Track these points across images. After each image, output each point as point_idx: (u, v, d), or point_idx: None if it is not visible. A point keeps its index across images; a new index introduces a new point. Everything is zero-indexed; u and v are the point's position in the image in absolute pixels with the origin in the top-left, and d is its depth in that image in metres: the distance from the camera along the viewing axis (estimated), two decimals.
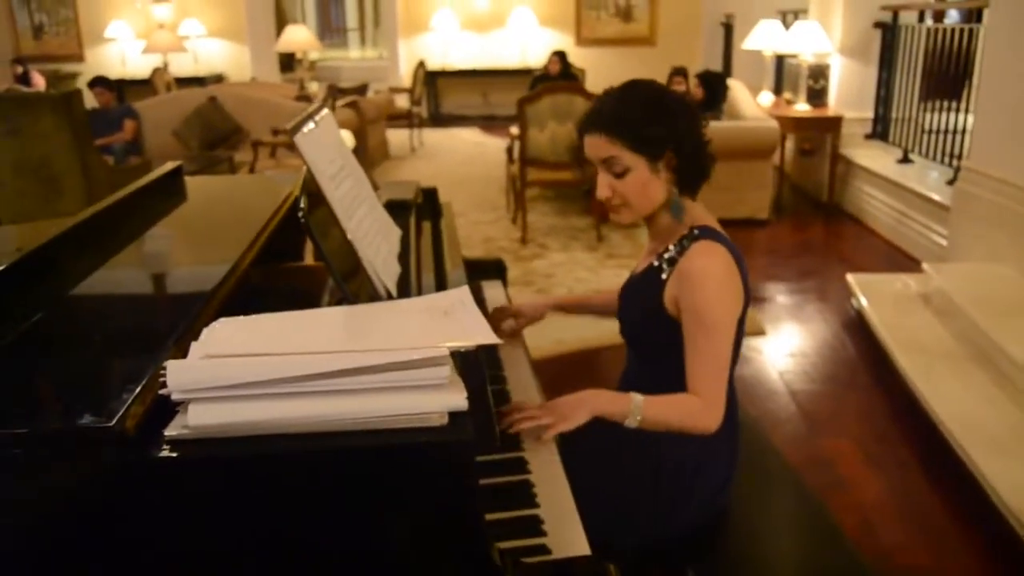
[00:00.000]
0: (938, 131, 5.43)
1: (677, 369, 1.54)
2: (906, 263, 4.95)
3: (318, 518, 1.00)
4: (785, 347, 3.88)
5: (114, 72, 10.32)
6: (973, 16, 5.41)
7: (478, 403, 1.03)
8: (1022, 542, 2.33)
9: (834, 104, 6.57)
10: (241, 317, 1.12)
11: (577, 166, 5.27)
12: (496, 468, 1.47)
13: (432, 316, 1.15)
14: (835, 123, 6.28)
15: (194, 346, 1.03)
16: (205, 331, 1.07)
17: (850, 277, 4.38)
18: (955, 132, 5.15)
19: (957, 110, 5.26)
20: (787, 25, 7.53)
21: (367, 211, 1.54)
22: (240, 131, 7.19)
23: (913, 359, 3.39)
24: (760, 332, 3.99)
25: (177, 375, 0.95)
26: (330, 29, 15.36)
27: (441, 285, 1.74)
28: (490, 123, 11.25)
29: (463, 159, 9.02)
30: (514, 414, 1.51)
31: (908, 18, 6.04)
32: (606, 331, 3.24)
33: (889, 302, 4.06)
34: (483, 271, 2.36)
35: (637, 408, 1.48)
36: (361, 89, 9.51)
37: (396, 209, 1.91)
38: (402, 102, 10.18)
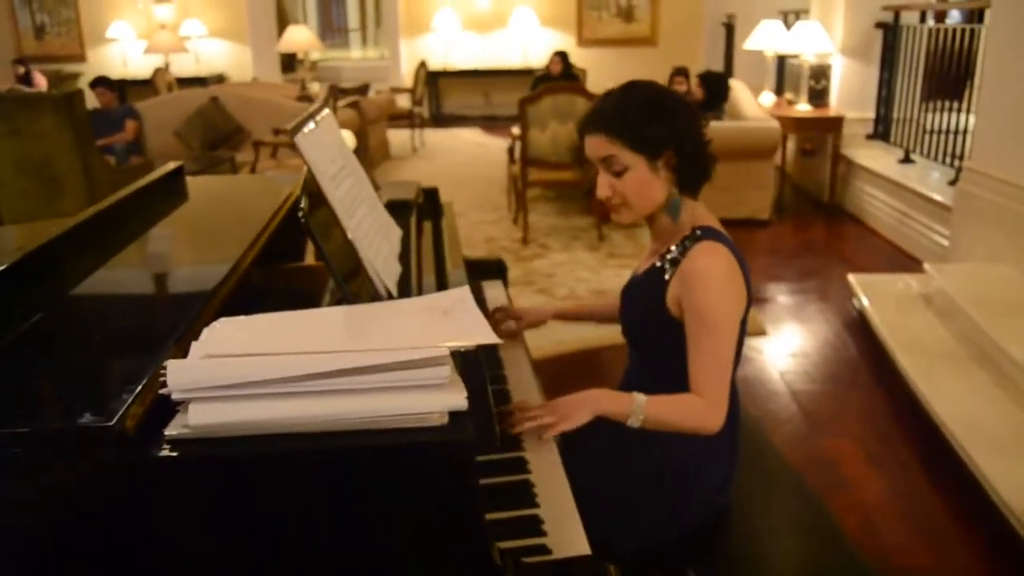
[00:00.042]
0: (939, 131, 5.42)
1: (679, 369, 1.54)
2: (907, 263, 4.95)
3: (318, 518, 1.00)
4: (786, 347, 3.88)
5: (116, 72, 10.33)
6: (975, 16, 5.41)
7: (478, 403, 1.04)
8: (1023, 542, 2.33)
9: (835, 104, 6.57)
10: (241, 317, 1.12)
11: (578, 166, 5.26)
12: (496, 468, 1.47)
13: (432, 316, 1.15)
14: (836, 123, 6.28)
15: (194, 346, 1.03)
16: (205, 331, 1.07)
17: (851, 277, 4.38)
18: (956, 132, 5.15)
19: (959, 110, 5.25)
20: (788, 25, 7.53)
21: (368, 211, 1.54)
22: (241, 131, 7.19)
23: (914, 359, 3.39)
24: (761, 332, 3.99)
25: (177, 375, 0.96)
26: (331, 29, 15.38)
27: (442, 285, 1.74)
28: (491, 123, 11.25)
29: (464, 159, 9.02)
30: (516, 414, 1.51)
31: (910, 18, 6.04)
32: (607, 331, 3.24)
33: (890, 302, 4.06)
34: (484, 271, 2.36)
35: (639, 408, 1.48)
36: (362, 89, 9.51)
37: (397, 209, 1.91)
38: (403, 102, 10.18)
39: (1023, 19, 3.90)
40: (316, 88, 9.13)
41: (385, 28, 12.48)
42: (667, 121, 1.51)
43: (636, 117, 1.50)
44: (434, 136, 10.47)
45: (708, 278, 1.51)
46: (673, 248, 1.59)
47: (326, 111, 1.56)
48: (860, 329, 4.02)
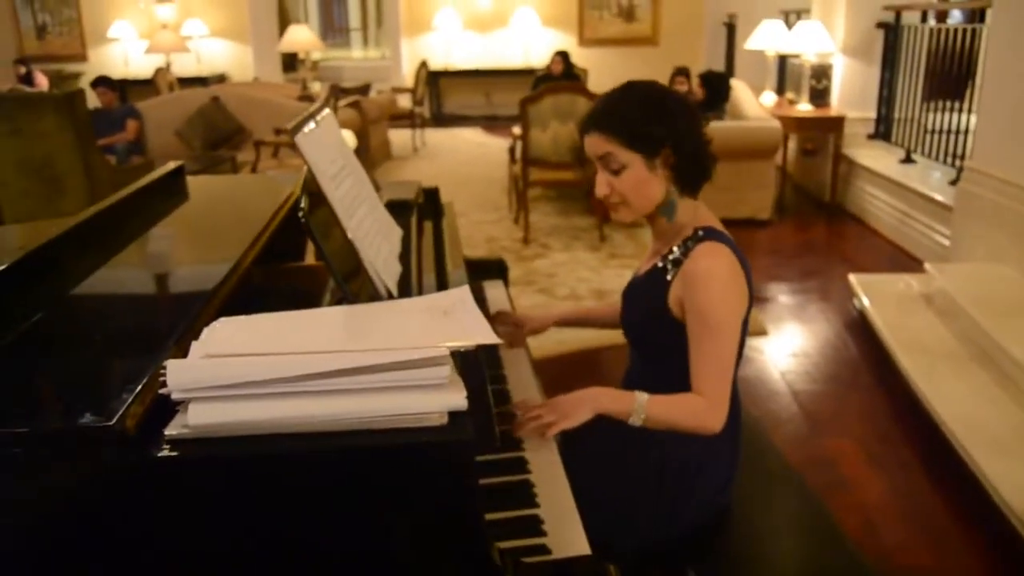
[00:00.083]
0: (941, 131, 5.42)
1: (680, 370, 1.54)
2: (908, 263, 4.94)
3: (318, 517, 1.00)
4: (787, 347, 3.88)
5: (117, 72, 10.33)
6: (976, 16, 5.40)
7: (478, 403, 1.04)
8: None
9: (837, 104, 6.57)
10: (241, 317, 1.12)
11: (579, 166, 5.28)
12: (496, 468, 1.47)
13: (432, 316, 1.15)
14: (838, 123, 6.28)
15: (194, 345, 1.03)
16: (205, 331, 1.07)
17: (852, 277, 4.38)
18: (958, 132, 5.14)
19: (960, 110, 5.25)
20: (790, 25, 7.53)
21: (368, 211, 1.54)
22: (243, 131, 7.20)
23: (915, 359, 3.39)
24: (762, 332, 3.99)
25: (177, 374, 0.96)
26: (333, 29, 15.39)
27: (442, 285, 1.74)
28: (492, 123, 11.24)
29: (465, 159, 9.03)
30: (518, 416, 1.51)
31: (911, 18, 6.03)
32: (608, 331, 3.23)
33: (891, 302, 4.05)
34: (485, 271, 2.36)
35: (641, 407, 1.48)
36: (363, 89, 9.52)
37: (397, 209, 1.91)
38: (404, 102, 10.18)
39: None
40: (317, 88, 9.13)
41: (386, 28, 12.48)
42: (664, 120, 1.51)
43: (633, 115, 1.51)
44: (435, 136, 10.47)
45: (710, 279, 1.52)
46: (675, 249, 1.59)
47: (326, 111, 1.56)
48: (861, 329, 4.02)
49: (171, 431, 0.95)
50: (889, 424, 3.14)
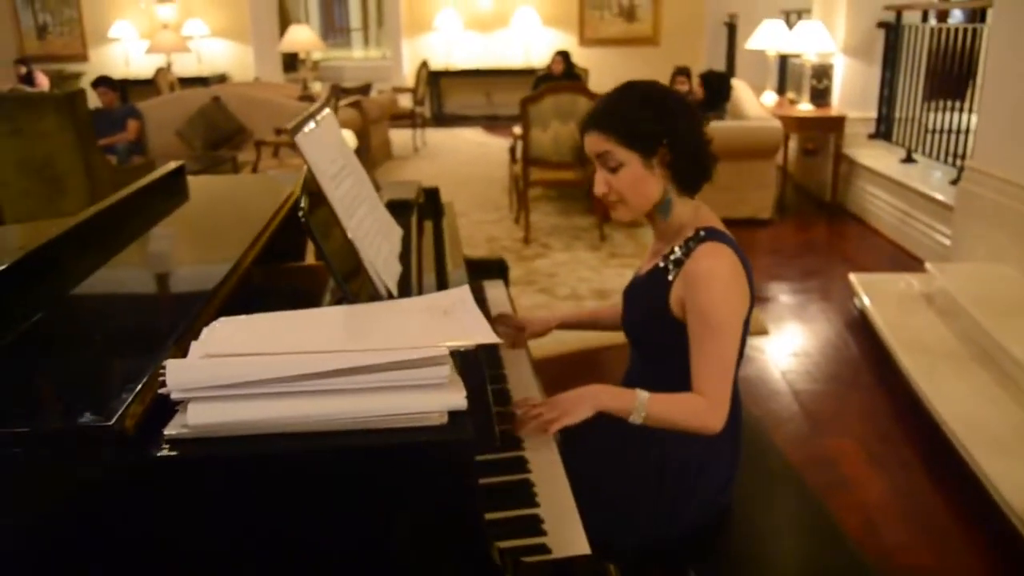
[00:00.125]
0: (942, 131, 5.42)
1: (681, 369, 1.54)
2: (909, 263, 4.94)
3: (318, 517, 1.00)
4: (788, 347, 3.87)
5: (118, 72, 10.33)
6: (977, 16, 5.40)
7: (478, 402, 1.04)
8: None
9: (837, 104, 6.56)
10: (241, 316, 1.12)
11: (580, 166, 5.28)
12: (496, 468, 1.47)
13: (432, 315, 1.15)
14: (838, 123, 6.28)
15: (194, 345, 1.03)
16: (205, 330, 1.07)
17: (853, 277, 4.38)
18: (959, 132, 5.14)
19: (961, 110, 5.25)
20: (790, 25, 7.52)
21: (368, 211, 1.54)
22: (243, 131, 7.20)
23: (916, 359, 3.39)
24: (763, 332, 3.99)
25: (177, 374, 0.96)
26: (333, 29, 15.40)
27: (442, 285, 1.74)
28: (493, 123, 11.24)
29: (466, 159, 9.03)
30: (519, 415, 1.51)
31: (912, 18, 6.03)
32: (609, 332, 3.23)
33: (892, 302, 4.05)
34: (485, 271, 2.36)
35: (642, 405, 1.48)
36: (364, 89, 9.52)
37: (398, 209, 1.91)
38: (405, 102, 10.18)
39: None
40: (318, 88, 9.13)
41: (387, 28, 12.48)
42: (661, 119, 1.51)
43: (630, 114, 1.51)
44: (436, 136, 10.47)
45: (712, 279, 1.52)
46: (677, 249, 1.59)
47: (326, 111, 1.57)
48: (862, 329, 4.02)
49: (170, 431, 0.95)
50: (890, 424, 3.14)
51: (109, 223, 1.58)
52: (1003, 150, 4.03)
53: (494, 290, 2.28)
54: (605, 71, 9.31)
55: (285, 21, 11.94)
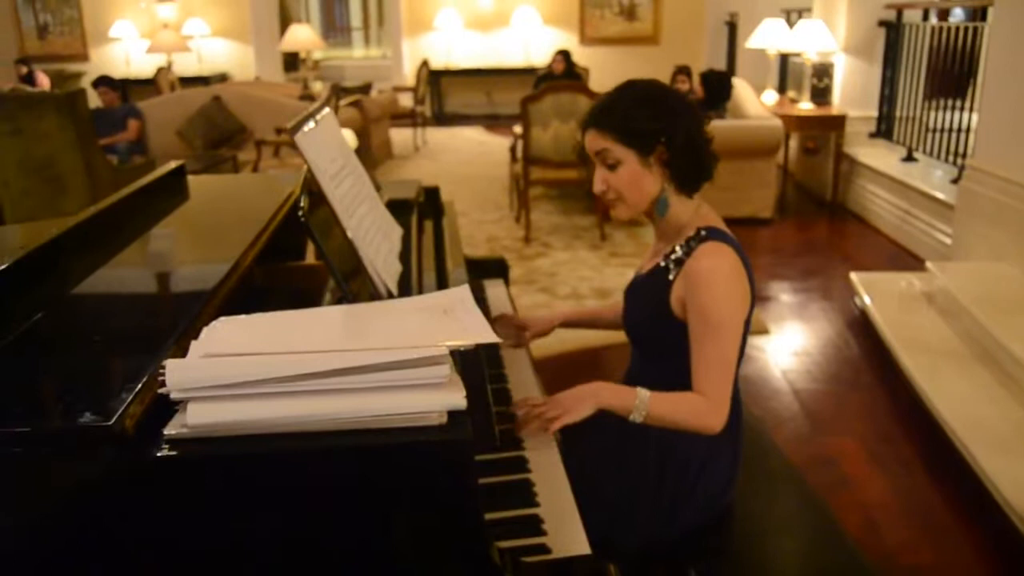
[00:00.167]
0: (942, 130, 5.41)
1: (681, 369, 1.54)
2: (910, 262, 4.94)
3: (317, 517, 1.00)
4: (789, 346, 3.87)
5: (118, 72, 10.33)
6: (978, 14, 5.39)
7: (477, 402, 1.04)
8: None
9: (838, 103, 6.56)
10: (241, 316, 1.12)
11: (581, 165, 5.27)
12: (496, 467, 1.47)
13: (432, 315, 1.15)
14: (839, 122, 6.27)
15: (194, 345, 1.03)
16: (205, 330, 1.07)
17: (854, 276, 4.38)
18: (959, 131, 5.14)
19: (961, 108, 5.24)
20: (791, 24, 7.52)
21: (368, 210, 1.54)
22: (244, 130, 7.20)
23: (917, 358, 3.39)
24: (764, 331, 3.99)
25: (176, 374, 0.96)
26: (334, 28, 15.41)
27: (442, 284, 1.74)
28: (494, 122, 11.24)
29: (467, 158, 9.03)
30: (520, 415, 1.51)
31: (912, 16, 6.03)
32: (610, 331, 3.23)
33: (893, 301, 4.05)
34: (485, 270, 2.36)
35: (643, 403, 1.48)
36: (365, 88, 9.52)
37: (398, 208, 1.91)
38: (406, 101, 10.18)
39: None
40: (318, 87, 9.13)
41: (387, 27, 12.48)
42: (658, 116, 1.51)
43: (627, 112, 1.52)
44: (436, 135, 10.47)
45: (713, 278, 1.51)
46: (678, 248, 1.59)
47: (326, 110, 1.57)
48: (862, 328, 4.01)
49: (170, 431, 0.95)
50: (890, 423, 3.14)
51: (109, 223, 1.58)
52: (1004, 149, 4.03)
53: (494, 289, 2.28)
54: (606, 70, 9.31)
55: (286, 20, 11.94)
